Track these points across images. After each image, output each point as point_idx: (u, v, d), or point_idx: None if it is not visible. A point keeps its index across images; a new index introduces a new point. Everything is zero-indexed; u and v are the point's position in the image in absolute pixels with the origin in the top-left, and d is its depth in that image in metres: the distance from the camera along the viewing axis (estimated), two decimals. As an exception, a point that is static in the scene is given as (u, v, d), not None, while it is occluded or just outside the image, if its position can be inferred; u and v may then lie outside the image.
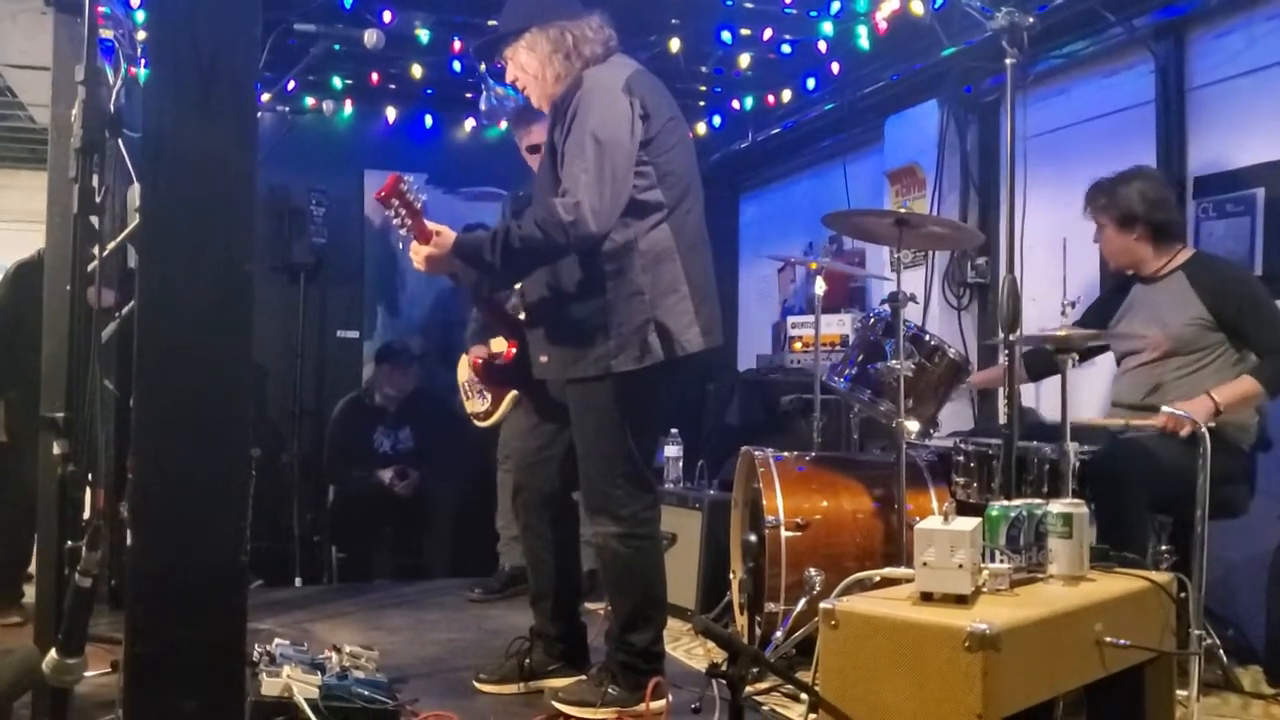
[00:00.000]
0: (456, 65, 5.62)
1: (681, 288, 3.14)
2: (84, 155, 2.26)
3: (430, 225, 3.13)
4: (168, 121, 2.24)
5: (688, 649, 4.01)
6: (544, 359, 3.25)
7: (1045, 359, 3.75)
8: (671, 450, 4.99)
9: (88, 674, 2.64)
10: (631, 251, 3.09)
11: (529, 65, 3.23)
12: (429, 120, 6.74)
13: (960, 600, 2.08)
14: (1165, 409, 3.35)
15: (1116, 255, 3.83)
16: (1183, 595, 2.57)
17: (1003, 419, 3.14)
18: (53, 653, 2.22)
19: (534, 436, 3.49)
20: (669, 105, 3.21)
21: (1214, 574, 3.58)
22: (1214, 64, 4.23)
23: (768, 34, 5.28)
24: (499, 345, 3.58)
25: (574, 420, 3.22)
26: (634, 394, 3.13)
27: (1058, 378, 3.21)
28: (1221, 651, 3.42)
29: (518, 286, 3.37)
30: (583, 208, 2.95)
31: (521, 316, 3.41)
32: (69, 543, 2.27)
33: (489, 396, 4.38)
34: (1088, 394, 4.30)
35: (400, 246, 3.25)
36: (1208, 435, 2.99)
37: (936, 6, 4.66)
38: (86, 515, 2.57)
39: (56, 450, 2.29)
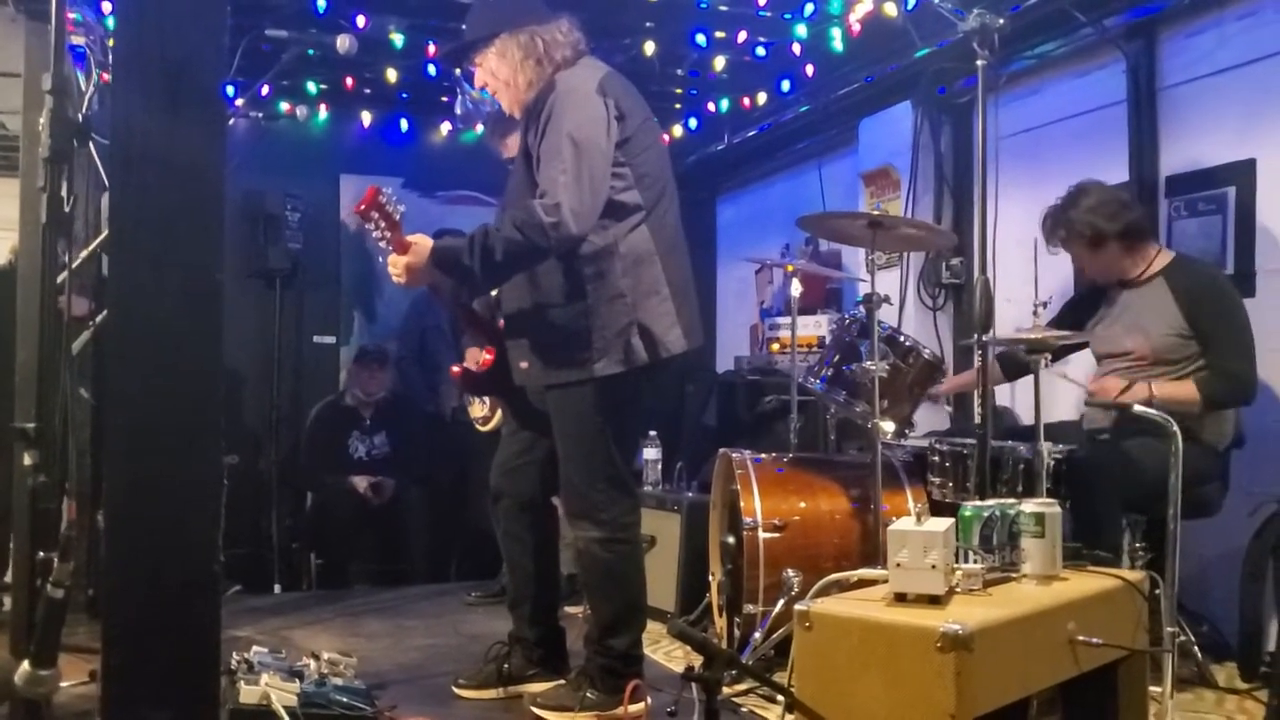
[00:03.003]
0: (431, 69, 5.61)
1: (662, 289, 3.13)
2: (52, 165, 2.25)
3: (408, 236, 3.10)
4: (136, 128, 2.24)
5: (667, 652, 4.01)
6: (524, 365, 3.23)
7: (1018, 359, 3.76)
8: (650, 453, 5.00)
9: (65, 684, 2.63)
10: (612, 254, 3.08)
11: (500, 71, 3.20)
12: (404, 124, 6.73)
13: (934, 601, 2.09)
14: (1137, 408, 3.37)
15: (1101, 274, 3.79)
16: (1156, 593, 2.58)
17: (977, 419, 3.16)
18: (25, 664, 2.21)
19: (513, 442, 3.48)
20: (642, 107, 3.20)
21: (1188, 570, 3.60)
22: (1185, 63, 4.26)
23: (742, 37, 5.29)
24: (473, 357, 3.57)
25: (555, 425, 3.21)
26: (616, 398, 3.12)
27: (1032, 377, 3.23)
28: (1196, 648, 3.45)
29: (494, 293, 3.36)
30: (563, 209, 2.93)
31: (500, 324, 3.39)
32: (41, 553, 2.25)
33: (488, 402, 4.37)
34: (1064, 394, 4.32)
35: (380, 259, 3.22)
36: (1179, 435, 3.01)
37: (909, 8, 4.69)
38: (64, 525, 2.55)
39: (27, 461, 2.27)
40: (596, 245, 3.06)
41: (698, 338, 3.24)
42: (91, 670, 3.07)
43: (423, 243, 3.10)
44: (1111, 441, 3.54)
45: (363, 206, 3.04)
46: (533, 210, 2.95)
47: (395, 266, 3.12)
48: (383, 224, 3.06)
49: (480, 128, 5.94)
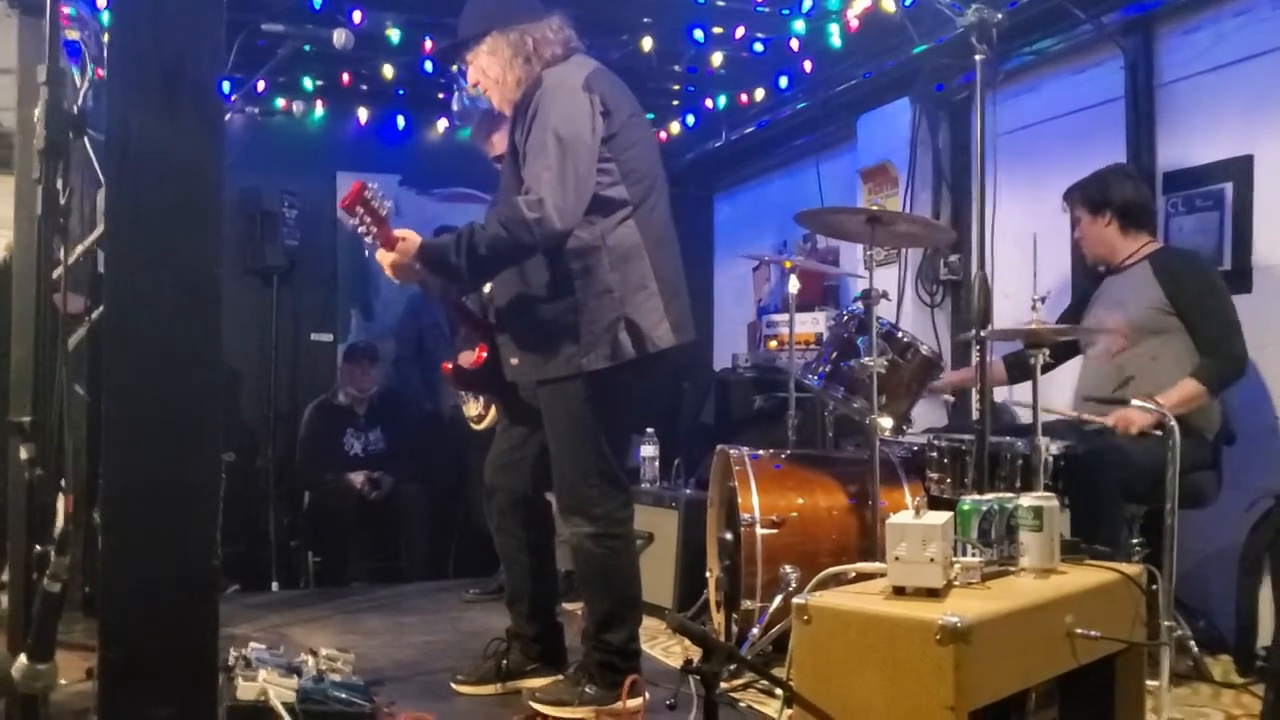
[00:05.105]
0: (428, 65, 5.61)
1: (650, 284, 3.14)
2: (48, 157, 2.24)
3: (396, 232, 3.10)
4: (132, 123, 2.23)
5: (665, 647, 4.01)
6: (515, 361, 3.24)
7: (1025, 362, 3.77)
8: (647, 449, 5.00)
9: (62, 682, 2.62)
10: (599, 249, 3.09)
11: (490, 69, 3.23)
12: (401, 121, 6.73)
13: (932, 594, 2.08)
14: (1135, 402, 3.38)
15: (1092, 245, 3.89)
16: (1153, 586, 2.58)
17: (975, 415, 3.16)
18: (22, 658, 2.20)
19: (505, 438, 3.49)
20: (630, 102, 3.21)
21: (1185, 566, 3.61)
22: (1182, 60, 4.27)
23: (740, 32, 5.29)
24: (466, 355, 3.57)
25: (546, 421, 3.22)
26: (606, 393, 3.13)
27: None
28: (1192, 642, 3.46)
29: (486, 289, 3.36)
30: (547, 205, 2.94)
31: (491, 320, 3.40)
32: (38, 547, 2.24)
33: (483, 400, 4.37)
34: (1067, 391, 4.32)
35: (366, 254, 3.21)
36: (1177, 429, 3.01)
37: (907, 4, 4.69)
38: (60, 520, 2.55)
39: (24, 455, 2.27)
40: (584, 240, 3.07)
41: (687, 333, 3.24)
42: (88, 667, 3.06)
43: (411, 239, 3.10)
44: (1107, 435, 3.54)
45: (348, 201, 3.03)
46: (517, 207, 2.96)
47: (384, 263, 3.12)
48: (368, 219, 3.06)
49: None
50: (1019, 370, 4.01)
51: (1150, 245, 3.80)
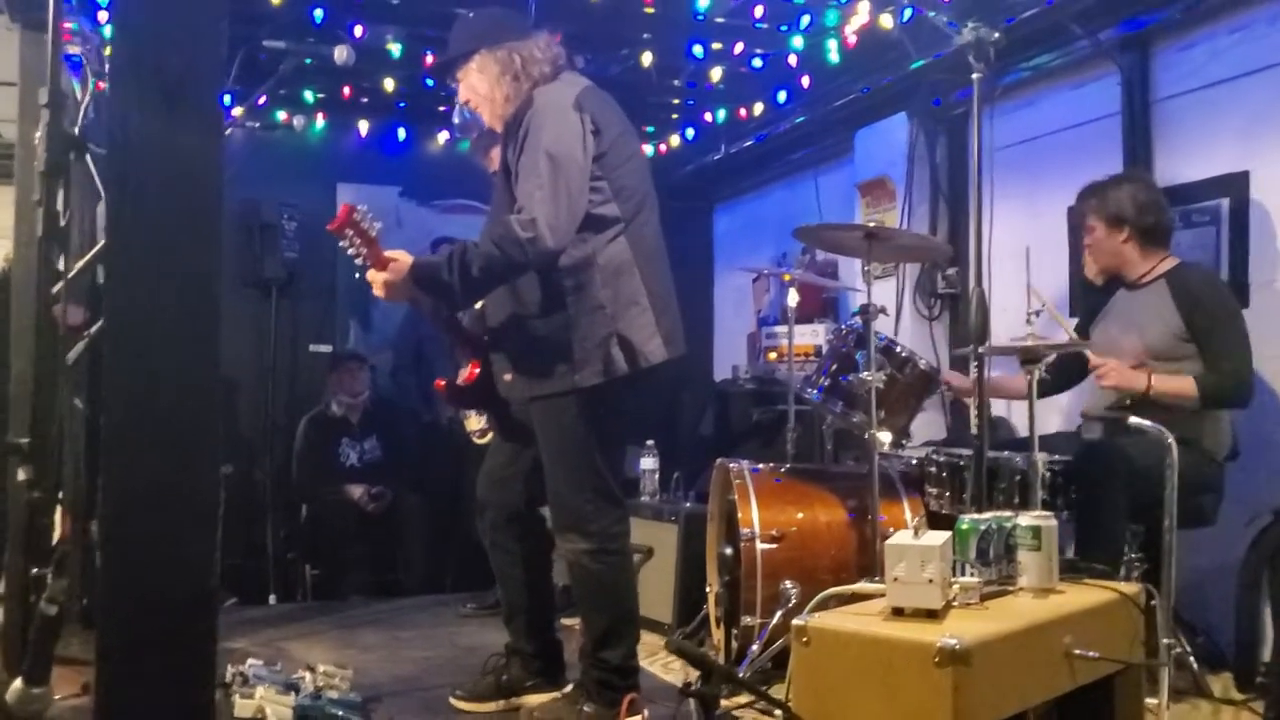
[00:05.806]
0: (429, 79, 5.61)
1: (642, 300, 3.15)
2: (48, 178, 2.24)
3: (387, 252, 3.10)
4: (133, 137, 2.24)
5: (664, 664, 4.00)
6: (508, 377, 3.26)
7: (1053, 375, 3.75)
8: (647, 462, 4.99)
9: (58, 696, 2.62)
10: (591, 266, 3.10)
11: (479, 87, 3.25)
12: (401, 133, 6.73)
13: (931, 615, 2.08)
14: (1133, 420, 3.36)
15: (1104, 257, 3.82)
16: (1152, 605, 2.58)
17: (974, 430, 3.16)
18: (17, 682, 2.20)
19: (498, 453, 3.49)
20: (619, 120, 3.23)
21: (1184, 581, 3.60)
22: (1179, 76, 4.27)
23: (739, 48, 5.30)
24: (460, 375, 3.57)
25: (540, 437, 3.22)
26: (599, 408, 3.13)
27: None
28: (1192, 659, 3.44)
29: (478, 306, 3.37)
30: (539, 224, 2.95)
31: (484, 336, 3.40)
32: (35, 570, 2.24)
33: (485, 415, 4.37)
34: (1059, 405, 4.33)
35: (357, 276, 3.22)
36: (1174, 446, 3.01)
37: (905, 20, 4.70)
38: (56, 537, 2.55)
39: (22, 476, 2.27)
40: (576, 257, 3.08)
41: (679, 346, 3.25)
42: (85, 682, 3.06)
43: (402, 259, 3.11)
44: (1111, 447, 3.52)
45: (336, 225, 3.05)
46: (509, 225, 2.98)
47: (375, 282, 3.13)
48: (358, 241, 3.07)
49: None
50: (1042, 385, 3.99)
51: (1167, 262, 3.73)
